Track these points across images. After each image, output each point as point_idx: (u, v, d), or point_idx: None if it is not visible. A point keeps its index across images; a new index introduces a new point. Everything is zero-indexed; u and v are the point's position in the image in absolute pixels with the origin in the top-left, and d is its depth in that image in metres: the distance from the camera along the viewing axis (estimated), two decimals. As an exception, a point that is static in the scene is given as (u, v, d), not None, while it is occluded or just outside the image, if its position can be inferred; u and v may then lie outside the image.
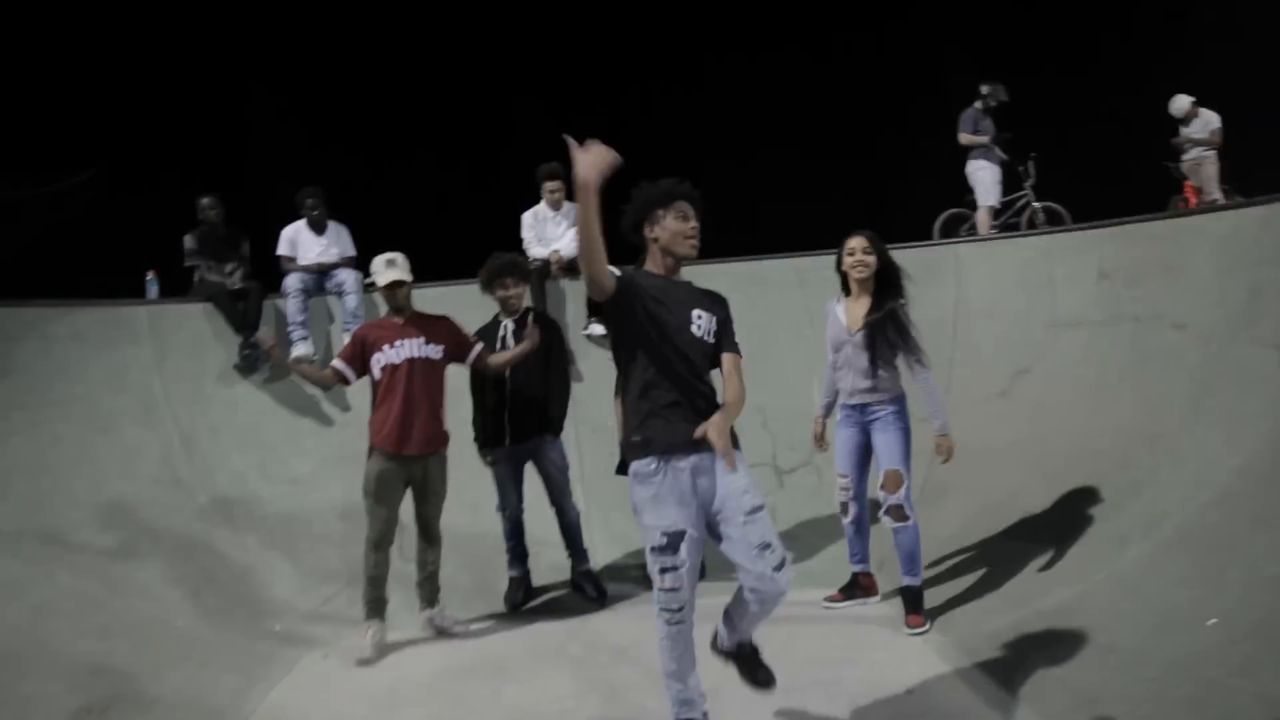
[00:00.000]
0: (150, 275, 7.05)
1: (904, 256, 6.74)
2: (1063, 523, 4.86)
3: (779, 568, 3.02)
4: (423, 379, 4.71)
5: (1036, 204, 8.94)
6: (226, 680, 4.19)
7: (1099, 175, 10.19)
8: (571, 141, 2.83)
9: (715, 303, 3.30)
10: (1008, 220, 8.99)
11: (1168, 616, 3.70)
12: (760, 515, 3.05)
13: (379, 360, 4.68)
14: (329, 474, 6.19)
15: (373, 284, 4.85)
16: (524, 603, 5.19)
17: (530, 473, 5.23)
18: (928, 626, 4.31)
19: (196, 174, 7.58)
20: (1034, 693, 3.47)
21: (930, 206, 9.37)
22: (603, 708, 3.72)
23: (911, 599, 4.41)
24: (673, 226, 3.19)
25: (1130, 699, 3.25)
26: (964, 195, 8.96)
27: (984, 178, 8.71)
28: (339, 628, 4.92)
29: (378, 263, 4.80)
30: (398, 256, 4.81)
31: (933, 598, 4.56)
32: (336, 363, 4.77)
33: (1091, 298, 5.99)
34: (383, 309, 5.02)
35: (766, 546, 3.01)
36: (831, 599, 4.75)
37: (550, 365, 5.19)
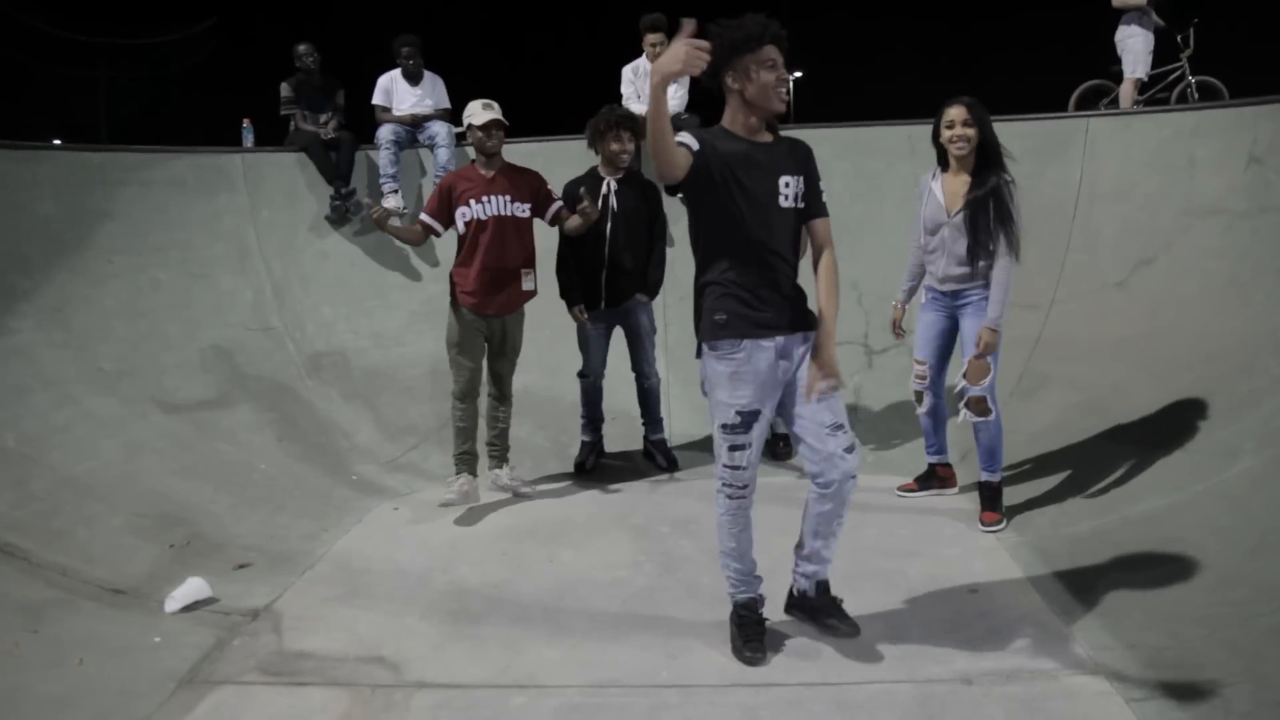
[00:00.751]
0: (246, 123, 7.08)
1: (1029, 129, 6.30)
2: (1167, 427, 4.51)
3: (850, 449, 2.92)
4: (509, 237, 4.58)
5: (1192, 77, 7.99)
6: (300, 525, 4.36)
7: (1271, 50, 9.05)
8: (686, 26, 2.53)
9: (800, 160, 2.96)
10: (1156, 94, 8.08)
11: (1267, 538, 3.41)
12: (834, 396, 2.92)
13: (464, 214, 4.54)
14: (415, 329, 6.27)
15: (465, 132, 4.64)
16: (594, 467, 5.20)
17: (613, 339, 5.14)
18: (1004, 524, 4.10)
19: (294, 22, 7.49)
20: (1106, 604, 3.27)
21: (1072, 76, 8.55)
22: (656, 578, 3.71)
23: (989, 495, 4.19)
24: (761, 79, 2.79)
25: (1211, 622, 3.02)
26: (1111, 65, 8.09)
27: (1135, 45, 7.78)
28: (413, 480, 5.06)
29: (474, 105, 4.57)
30: (493, 102, 4.60)
31: (1013, 495, 4.33)
32: (424, 216, 4.65)
33: (1237, 183, 5.37)
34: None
35: (839, 427, 2.91)
36: (905, 488, 4.58)
37: (652, 226, 5.00)
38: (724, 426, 2.93)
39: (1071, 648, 3.01)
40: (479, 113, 4.53)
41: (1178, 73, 8.01)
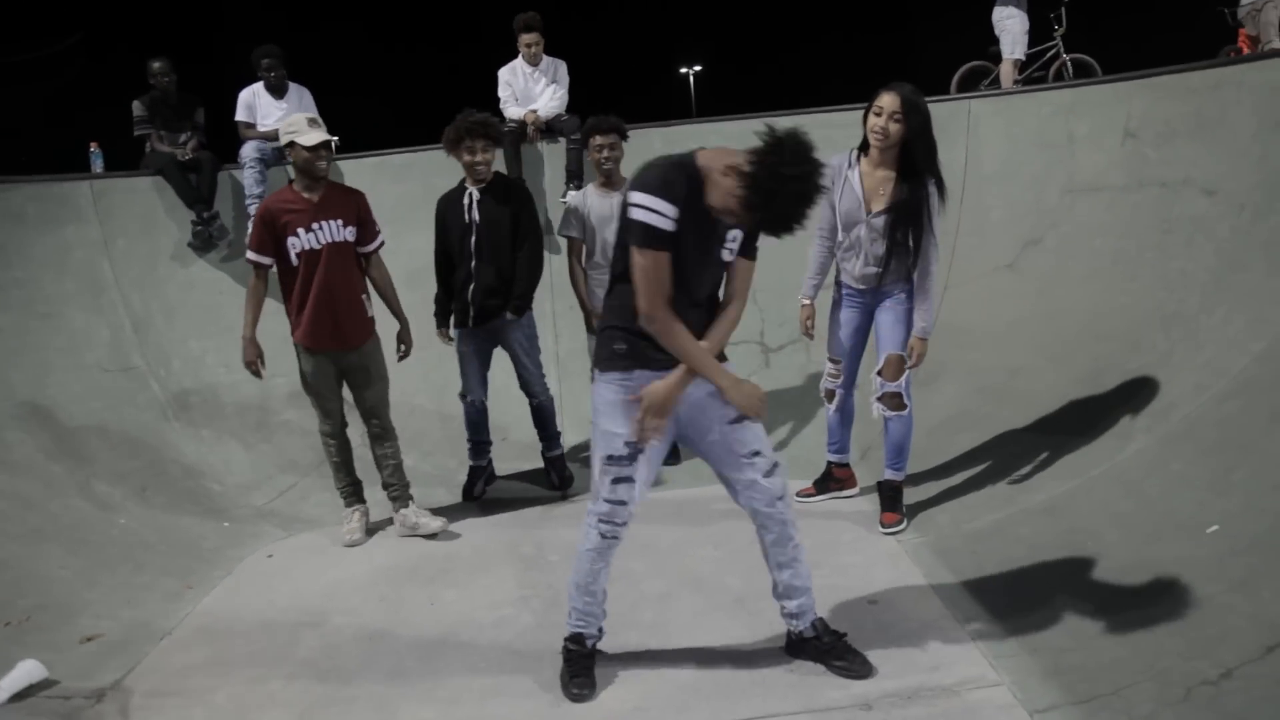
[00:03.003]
0: (93, 147, 6.59)
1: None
2: (1063, 411, 4.48)
3: (770, 472, 2.78)
4: (345, 265, 4.24)
5: (1066, 56, 8.11)
6: (163, 584, 3.99)
7: (1140, 24, 9.26)
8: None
9: None
10: (1033, 74, 8.18)
11: (1165, 521, 3.36)
12: (745, 422, 2.76)
13: (294, 245, 4.14)
14: (290, 358, 5.85)
15: (286, 149, 4.20)
16: (483, 493, 4.93)
17: (499, 357, 4.86)
18: (904, 525, 3.99)
19: (146, 38, 6.99)
20: (1008, 606, 3.17)
21: (950, 59, 8.60)
22: (543, 614, 3.46)
23: (890, 495, 4.07)
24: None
25: (1112, 617, 2.94)
26: (988, 46, 8.15)
27: (1012, 26, 7.84)
28: (290, 521, 4.72)
29: (298, 120, 4.17)
30: (318, 118, 4.26)
31: (914, 493, 4.23)
32: (250, 255, 4.25)
33: (1115, 159, 5.38)
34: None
35: (755, 454, 2.76)
36: (804, 493, 4.40)
37: (518, 238, 4.69)
38: (609, 458, 2.73)
39: (974, 658, 2.89)
40: (305, 130, 4.11)
41: (1053, 51, 8.12)
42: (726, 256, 2.70)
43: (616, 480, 2.75)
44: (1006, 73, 7.84)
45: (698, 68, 33.80)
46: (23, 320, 5.34)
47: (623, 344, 2.69)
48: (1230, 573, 2.93)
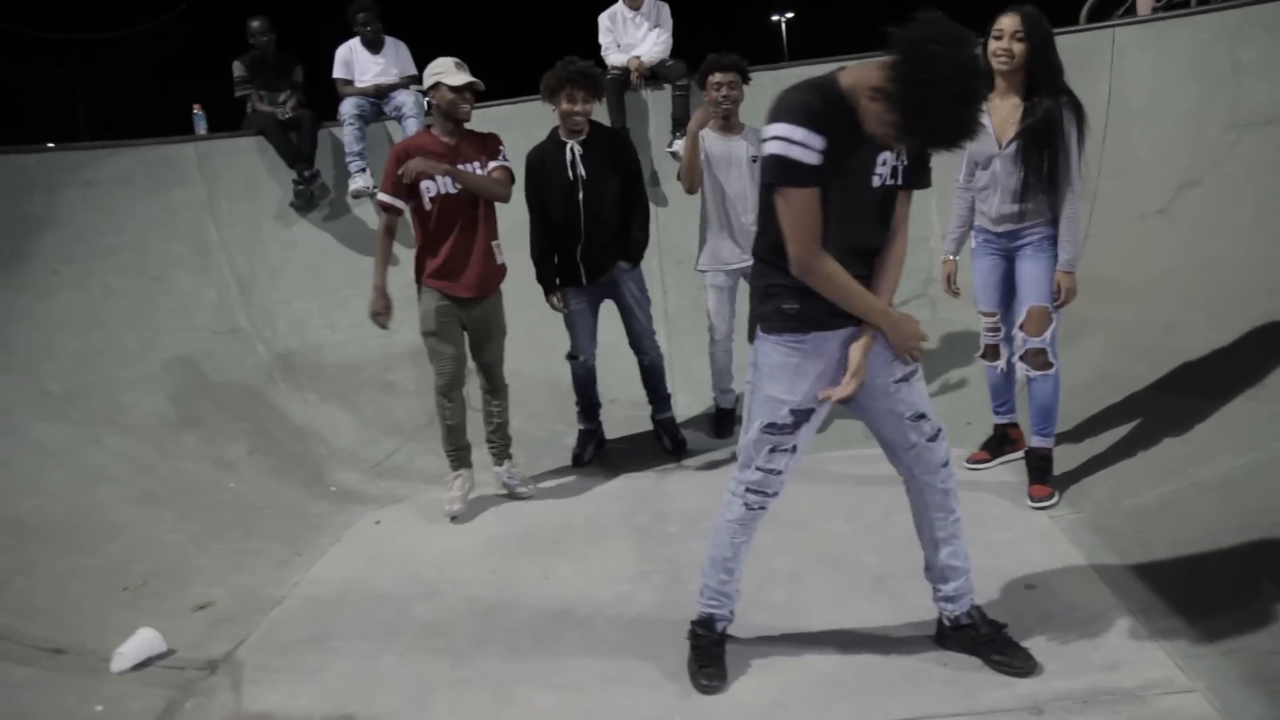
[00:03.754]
0: (196, 109, 6.58)
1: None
2: (1232, 371, 3.99)
3: (935, 437, 2.55)
4: (479, 210, 4.10)
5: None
6: (272, 550, 3.94)
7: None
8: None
9: None
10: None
11: (1373, 500, 2.92)
12: (915, 380, 2.54)
13: (429, 189, 3.99)
14: (397, 316, 5.76)
15: (429, 92, 4.08)
16: (593, 458, 4.74)
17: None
18: (1056, 499, 3.62)
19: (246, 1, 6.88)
20: (1190, 597, 2.79)
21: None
22: (665, 591, 3.25)
23: (1039, 464, 3.71)
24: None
25: (1321, 613, 2.55)
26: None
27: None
28: (398, 485, 4.63)
29: (444, 63, 4.01)
30: (464, 63, 4.06)
31: (1062, 461, 3.84)
32: (383, 196, 4.11)
33: (1289, 89, 4.79)
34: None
35: (921, 416, 2.53)
36: (976, 458, 4.08)
37: (628, 188, 4.46)
38: (770, 425, 2.49)
39: (1157, 657, 2.54)
40: (452, 72, 3.98)
41: (1203, -29, 7.33)
42: (877, 183, 2.36)
43: (775, 450, 2.52)
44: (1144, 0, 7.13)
45: (790, 15, 32.90)
46: (135, 283, 5.38)
47: (794, 303, 2.40)
48: None
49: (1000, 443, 4.08)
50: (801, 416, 2.48)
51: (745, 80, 4.47)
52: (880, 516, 3.57)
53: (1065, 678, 2.50)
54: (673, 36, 6.41)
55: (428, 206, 4.05)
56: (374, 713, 2.74)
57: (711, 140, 4.49)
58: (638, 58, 6.27)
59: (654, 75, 6.33)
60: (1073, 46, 5.75)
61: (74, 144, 5.95)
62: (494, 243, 4.19)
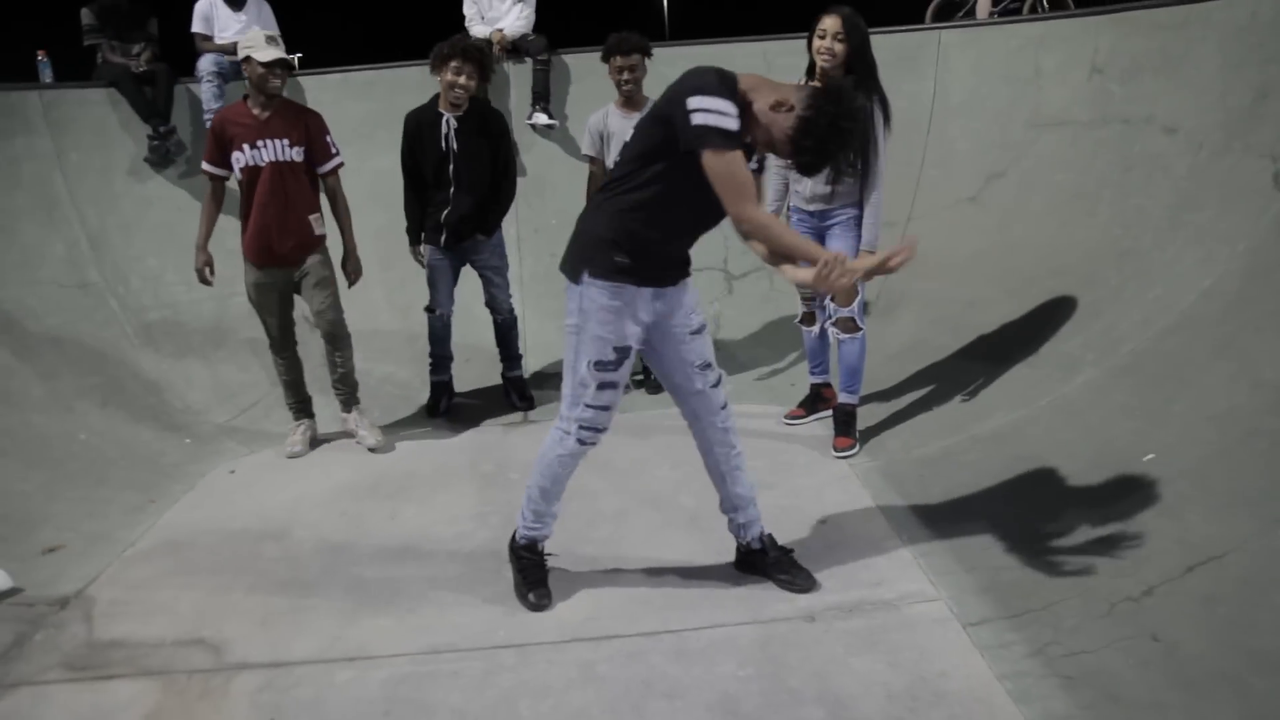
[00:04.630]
0: (41, 55, 6.37)
1: (881, 42, 6.07)
2: (1016, 342, 4.57)
3: (716, 383, 2.90)
4: (287, 185, 4.23)
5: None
6: (124, 498, 4.02)
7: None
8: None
9: None
10: (1009, 5, 8.11)
11: (1105, 449, 3.47)
12: (704, 334, 2.88)
13: (238, 160, 4.17)
14: (239, 274, 5.82)
15: (242, 64, 4.19)
16: (447, 409, 4.99)
17: (465, 278, 4.88)
18: (857, 449, 4.09)
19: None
20: (951, 528, 3.28)
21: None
22: (500, 529, 3.50)
23: (844, 419, 4.17)
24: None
25: (1049, 537, 3.06)
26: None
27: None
28: (252, 439, 4.74)
29: (255, 36, 4.15)
30: (277, 36, 4.20)
31: (867, 417, 4.33)
32: (205, 165, 4.28)
33: (1080, 95, 5.39)
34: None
35: (707, 365, 2.87)
36: (792, 415, 4.51)
37: (496, 167, 4.70)
38: (597, 363, 2.73)
39: (914, 575, 3.01)
40: (262, 46, 4.09)
41: (1028, -17, 8.02)
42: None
43: (603, 385, 2.76)
44: (983, 4, 7.76)
45: (671, -10, 33.11)
46: (-26, 234, 5.23)
47: (626, 259, 2.64)
48: (1162, 499, 3.05)
49: (814, 401, 4.53)
50: (623, 354, 2.75)
51: (647, 57, 4.63)
52: (701, 464, 3.94)
53: (837, 593, 2.93)
54: (535, 11, 6.60)
55: (239, 176, 4.21)
56: (224, 637, 2.92)
57: (615, 119, 4.70)
58: (500, 30, 6.44)
59: (515, 49, 6.52)
60: (906, 44, 6.32)
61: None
62: (312, 215, 4.33)
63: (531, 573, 3.02)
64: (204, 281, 4.39)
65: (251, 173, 4.18)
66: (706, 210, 2.62)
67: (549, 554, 3.09)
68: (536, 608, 2.96)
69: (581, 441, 2.85)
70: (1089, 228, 4.88)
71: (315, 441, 4.60)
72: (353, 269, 4.49)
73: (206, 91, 6.13)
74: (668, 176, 2.57)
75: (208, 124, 6.01)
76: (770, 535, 3.07)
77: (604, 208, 2.71)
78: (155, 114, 6.06)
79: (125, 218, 5.85)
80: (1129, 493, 3.15)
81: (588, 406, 2.80)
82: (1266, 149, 4.13)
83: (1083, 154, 5.24)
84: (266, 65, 4.08)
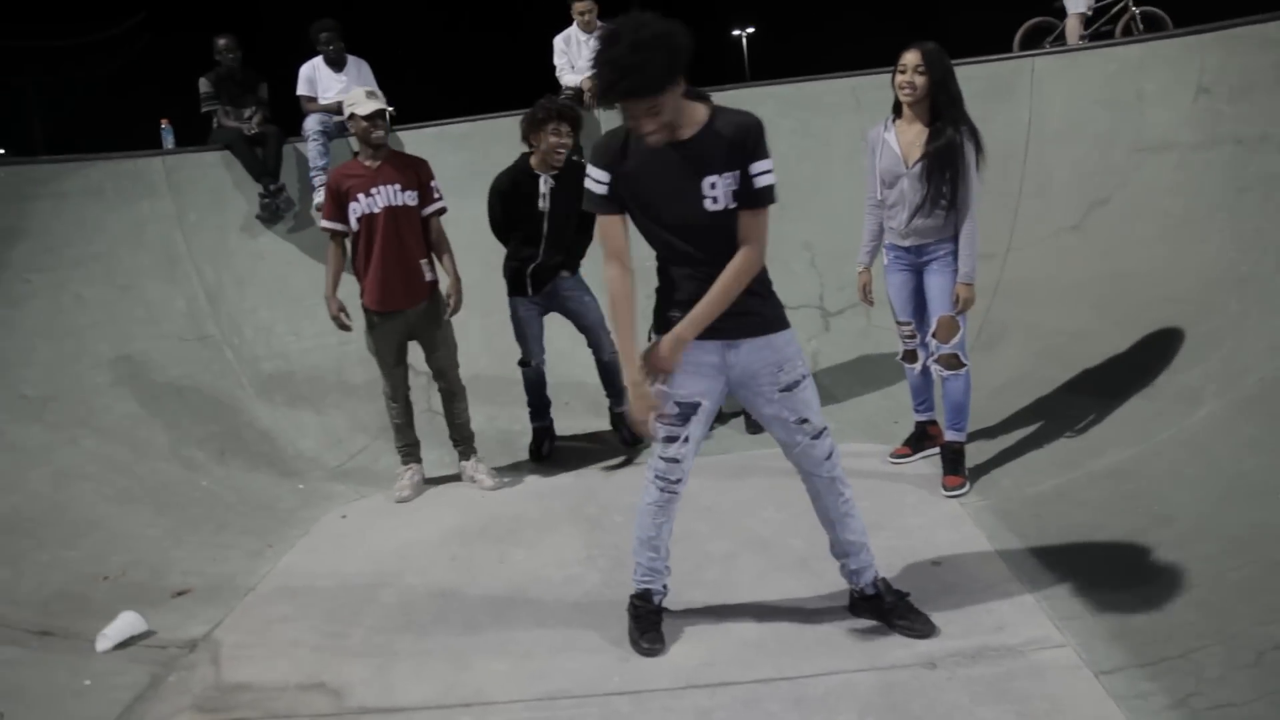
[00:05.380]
0: (164, 124, 6.77)
1: (973, 72, 6.08)
2: (1130, 373, 4.41)
3: (817, 435, 2.84)
4: (401, 229, 4.42)
5: (1136, 9, 7.85)
6: (244, 543, 4.18)
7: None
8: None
9: (734, 149, 2.58)
10: (1101, 28, 7.94)
11: (1235, 485, 3.32)
12: (799, 389, 2.80)
13: (354, 210, 4.38)
14: (360, 323, 6.04)
15: (348, 122, 4.45)
16: (550, 452, 5.06)
17: (554, 325, 4.97)
18: (967, 488, 3.99)
19: (206, 15, 7.12)
20: (1073, 569, 3.16)
21: (1013, 15, 8.39)
22: (609, 573, 3.55)
23: (952, 457, 4.07)
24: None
25: (1180, 581, 2.92)
26: (1052, 2, 7.95)
27: (1075, -22, 7.66)
28: (361, 484, 4.88)
29: (357, 93, 4.41)
30: (377, 90, 4.42)
31: (976, 454, 4.22)
32: (324, 223, 4.51)
33: (1186, 116, 5.23)
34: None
35: (803, 421, 2.81)
36: (898, 453, 4.43)
37: (586, 217, 4.77)
38: (661, 418, 2.80)
39: (1039, 619, 2.90)
40: (363, 101, 4.36)
41: (1120, 5, 7.86)
42: (711, 206, 2.60)
43: (669, 439, 2.83)
44: (1072, 28, 7.63)
45: (750, 29, 33.42)
46: (105, 292, 5.55)
47: (679, 313, 2.71)
48: (1303, 537, 2.90)
49: (920, 439, 4.44)
50: (687, 409, 2.78)
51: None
52: (808, 505, 3.88)
53: (958, 638, 2.84)
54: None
55: (354, 226, 4.41)
56: (343, 680, 3.00)
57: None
58: (590, 79, 6.58)
59: (607, 96, 6.65)
60: (997, 73, 6.24)
61: (43, 158, 6.08)
62: (421, 261, 4.50)
63: (645, 620, 3.03)
64: (342, 326, 4.59)
65: (368, 221, 4.38)
66: (681, 244, 2.69)
67: (665, 608, 3.10)
68: (649, 653, 2.96)
69: (660, 490, 2.91)
70: (1202, 253, 4.70)
71: (422, 486, 4.72)
72: (456, 300, 4.59)
73: (313, 150, 6.41)
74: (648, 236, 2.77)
75: (314, 181, 6.33)
76: (885, 579, 3.01)
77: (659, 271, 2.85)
78: (266, 173, 6.36)
79: (239, 273, 6.13)
80: (1266, 531, 3.00)
81: (660, 458, 2.87)
82: (1394, 165, 3.93)
83: (1192, 177, 5.07)
84: (368, 118, 4.31)
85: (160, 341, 5.56)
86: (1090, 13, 7.67)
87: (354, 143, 6.62)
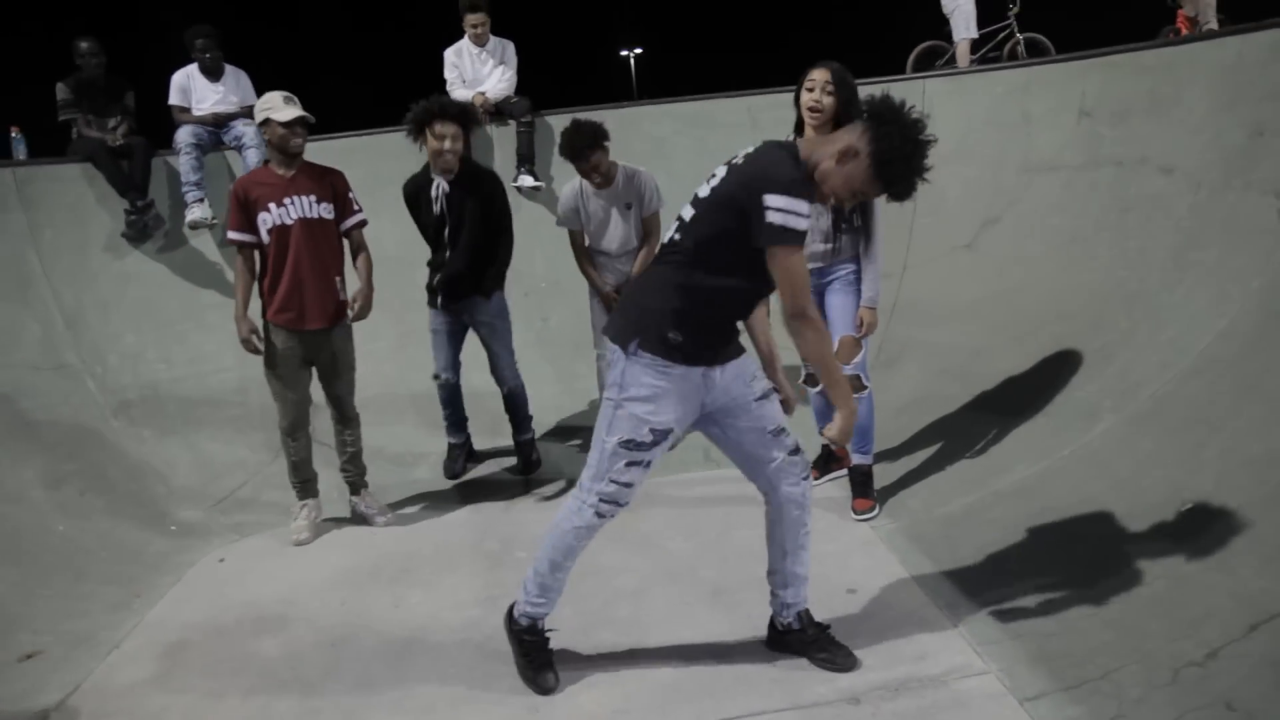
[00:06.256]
0: (15, 132, 6.25)
1: (866, 93, 6.17)
2: (1028, 391, 4.47)
3: (795, 450, 2.77)
4: (316, 242, 4.10)
5: (1020, 35, 8.16)
6: (106, 594, 3.78)
7: (1089, 3, 9.36)
8: None
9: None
10: (988, 54, 8.23)
11: (1138, 501, 3.35)
12: (770, 399, 2.74)
13: (265, 221, 4.02)
14: (236, 350, 5.58)
15: (261, 126, 4.09)
16: (464, 471, 4.87)
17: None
18: (877, 511, 3.94)
19: (61, 13, 6.61)
20: (988, 591, 3.13)
21: (904, 39, 8.62)
22: (514, 615, 3.34)
23: (861, 480, 4.02)
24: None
25: (1093, 598, 2.91)
26: (942, 27, 8.18)
27: (963, 6, 7.90)
28: (242, 523, 4.51)
29: (273, 97, 4.04)
30: (294, 96, 4.09)
31: (883, 475, 4.19)
32: (232, 235, 4.10)
33: (1070, 138, 5.39)
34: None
35: (781, 430, 2.73)
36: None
37: (492, 220, 4.55)
38: (629, 441, 2.61)
39: (959, 646, 2.84)
40: (281, 107, 4.00)
41: (1006, 31, 8.15)
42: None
43: (631, 464, 2.64)
44: (962, 53, 7.86)
45: (638, 50, 33.67)
46: (-57, 316, 5.04)
47: (679, 335, 2.55)
48: (1208, 551, 2.92)
49: (827, 461, 4.38)
50: (660, 436, 2.62)
51: (606, 143, 4.53)
52: (717, 534, 3.80)
53: (880, 670, 2.76)
54: (517, 74, 6.57)
55: (265, 238, 4.06)
56: (219, 749, 2.71)
57: (590, 197, 4.66)
58: (483, 93, 6.40)
59: (499, 111, 6.47)
60: (889, 93, 6.30)
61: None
62: (337, 277, 4.20)
63: (536, 654, 2.85)
64: (253, 349, 4.13)
65: (280, 233, 4.03)
66: (760, 290, 2.63)
67: (549, 630, 2.91)
68: (544, 691, 2.79)
69: (600, 514, 2.71)
70: (1091, 271, 4.83)
71: (320, 525, 4.35)
72: (363, 305, 4.24)
73: (185, 164, 6.00)
74: (735, 264, 2.53)
75: (186, 196, 5.94)
76: (808, 612, 2.90)
77: (667, 281, 2.61)
78: (132, 188, 5.92)
79: (103, 295, 5.68)
80: (1171, 546, 3.02)
81: (612, 481, 2.67)
82: (1269, 185, 4.10)
83: (1078, 197, 5.22)
84: (287, 125, 3.97)
85: (10, 371, 5.07)
86: (979, 37, 7.92)
87: (231, 156, 6.31)
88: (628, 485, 2.67)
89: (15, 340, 5.23)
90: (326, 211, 4.13)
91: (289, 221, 4.04)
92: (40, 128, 6.38)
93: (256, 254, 4.12)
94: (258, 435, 5.17)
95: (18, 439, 4.74)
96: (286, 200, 4.04)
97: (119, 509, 4.51)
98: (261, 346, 4.14)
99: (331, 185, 4.17)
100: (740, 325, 2.74)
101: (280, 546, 4.20)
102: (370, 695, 2.92)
